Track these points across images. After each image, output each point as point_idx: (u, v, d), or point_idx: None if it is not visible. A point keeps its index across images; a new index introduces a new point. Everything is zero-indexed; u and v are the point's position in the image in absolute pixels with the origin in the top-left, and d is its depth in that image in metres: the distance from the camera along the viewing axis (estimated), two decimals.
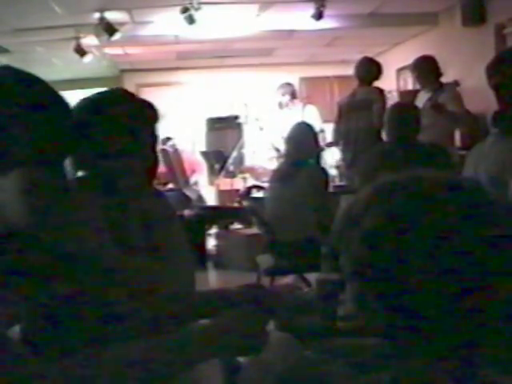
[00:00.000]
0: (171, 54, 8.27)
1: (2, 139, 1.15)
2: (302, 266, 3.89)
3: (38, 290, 1.26)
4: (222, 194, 7.61)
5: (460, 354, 0.78)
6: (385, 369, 0.83)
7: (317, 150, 4.53)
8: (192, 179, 7.30)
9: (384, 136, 3.91)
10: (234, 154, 7.18)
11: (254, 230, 5.33)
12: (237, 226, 6.37)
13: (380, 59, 5.64)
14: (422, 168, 0.85)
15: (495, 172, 2.00)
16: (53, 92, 1.26)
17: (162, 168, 7.19)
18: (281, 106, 6.95)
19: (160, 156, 7.22)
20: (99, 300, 1.36)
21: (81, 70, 8.00)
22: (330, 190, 4.75)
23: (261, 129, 7.43)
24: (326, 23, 6.27)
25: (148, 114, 1.54)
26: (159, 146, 7.15)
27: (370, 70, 5.25)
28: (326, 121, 6.73)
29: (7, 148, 1.15)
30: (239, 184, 6.90)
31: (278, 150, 6.49)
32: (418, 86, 5.20)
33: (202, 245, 6.01)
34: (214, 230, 6.63)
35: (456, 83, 5.79)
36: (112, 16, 5.98)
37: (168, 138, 7.40)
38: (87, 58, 7.02)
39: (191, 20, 5.79)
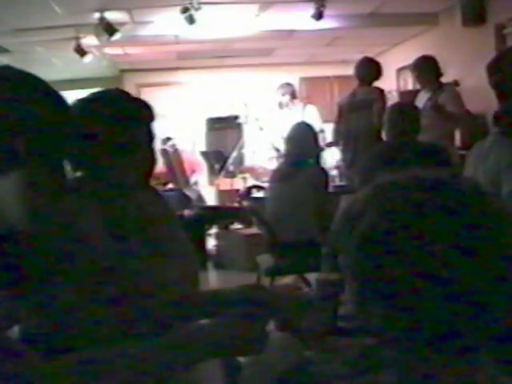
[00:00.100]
0: (171, 53, 8.27)
1: (1, 139, 1.15)
2: (302, 266, 3.89)
3: (38, 290, 1.26)
4: (222, 193, 7.62)
5: (460, 354, 0.78)
6: (385, 369, 0.83)
7: (317, 150, 4.53)
8: (192, 179, 7.31)
9: (384, 136, 3.91)
10: (234, 154, 7.18)
11: (254, 229, 5.33)
12: (237, 225, 6.37)
13: (380, 59, 5.64)
14: (421, 168, 0.85)
15: (493, 172, 2.00)
16: (53, 92, 1.26)
17: (162, 168, 7.20)
18: (281, 105, 6.95)
19: (160, 156, 7.24)
20: (99, 299, 1.36)
21: (81, 69, 8.00)
22: (330, 189, 4.75)
23: (261, 129, 7.43)
24: (326, 23, 6.27)
25: (144, 113, 1.54)
26: (158, 146, 7.18)
27: (369, 69, 5.25)
28: (325, 121, 6.73)
29: (7, 148, 1.15)
30: (239, 184, 6.90)
31: (277, 149, 6.49)
32: (418, 86, 5.20)
33: (202, 245, 6.01)
34: (213, 230, 6.63)
35: (455, 83, 5.79)
36: (112, 16, 5.98)
37: (168, 138, 7.40)
38: (87, 58, 7.02)
39: (191, 20, 5.79)
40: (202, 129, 9.21)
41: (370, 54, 5.84)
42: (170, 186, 7.17)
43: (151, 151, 1.56)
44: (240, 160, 7.55)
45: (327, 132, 6.44)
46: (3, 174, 1.12)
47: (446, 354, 0.78)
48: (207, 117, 9.23)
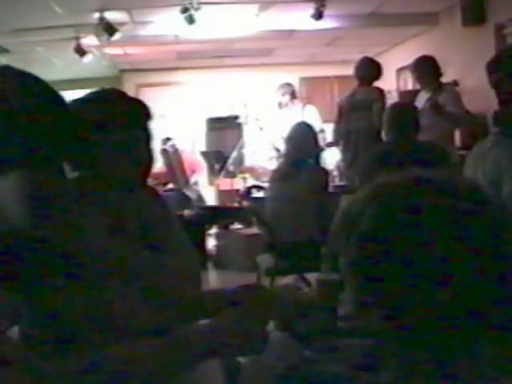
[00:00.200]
0: (171, 53, 8.27)
1: (1, 140, 1.15)
2: (302, 266, 3.89)
3: (39, 289, 1.26)
4: (221, 193, 7.61)
5: (459, 354, 0.78)
6: (385, 369, 0.83)
7: (317, 150, 4.53)
8: (192, 179, 7.31)
9: (383, 136, 3.90)
10: (234, 153, 7.18)
11: (254, 229, 5.33)
12: (237, 226, 6.37)
13: (380, 59, 5.64)
14: (420, 168, 0.85)
15: (493, 172, 2.00)
16: (52, 92, 1.26)
17: (162, 168, 7.20)
18: (281, 106, 6.95)
19: (160, 156, 7.23)
20: (100, 299, 1.36)
21: (81, 69, 8.00)
22: (330, 189, 4.75)
23: (261, 129, 7.43)
24: (326, 23, 6.27)
25: (140, 112, 1.54)
26: (158, 146, 7.18)
27: (369, 70, 5.25)
28: (325, 121, 6.73)
29: (7, 148, 1.15)
30: (239, 184, 6.90)
31: (277, 149, 6.49)
32: (418, 86, 5.20)
33: (202, 245, 6.01)
34: (214, 230, 6.63)
35: (455, 83, 5.79)
36: (112, 16, 5.98)
37: (168, 139, 7.41)
38: (87, 58, 7.02)
39: (191, 20, 5.79)
40: (202, 129, 9.21)
41: (369, 54, 5.84)
42: (170, 185, 7.17)
43: (149, 150, 1.56)
44: (240, 160, 7.55)
45: (327, 132, 6.44)
46: (3, 174, 1.12)
47: (446, 353, 0.78)
48: (207, 117, 9.23)
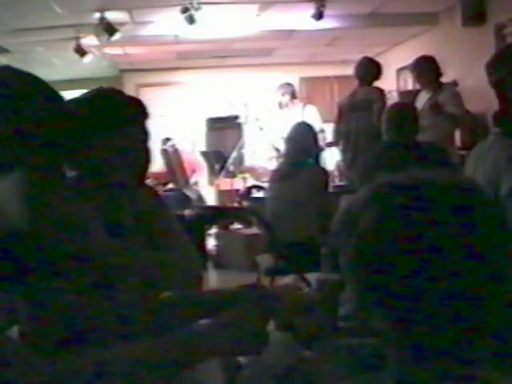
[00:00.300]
0: (171, 53, 8.27)
1: (1, 139, 1.15)
2: (302, 266, 3.88)
3: (38, 289, 1.26)
4: (221, 193, 7.61)
5: (459, 354, 0.78)
6: (385, 369, 0.83)
7: (317, 150, 4.53)
8: (192, 179, 7.31)
9: (383, 136, 3.90)
10: (234, 154, 7.18)
11: (254, 229, 5.33)
12: (237, 226, 6.37)
13: (380, 59, 5.64)
14: (420, 168, 0.85)
15: (492, 172, 1.99)
16: (52, 92, 1.26)
17: (162, 168, 7.20)
18: (281, 105, 6.95)
19: (160, 156, 7.23)
20: (100, 299, 1.36)
21: (81, 70, 8.00)
22: (330, 189, 4.75)
23: (261, 129, 7.43)
24: (326, 23, 6.27)
25: (138, 111, 1.54)
26: (158, 146, 7.18)
27: (370, 70, 5.25)
28: (325, 121, 6.73)
29: (7, 148, 1.15)
30: (239, 184, 6.90)
31: (277, 150, 6.49)
32: (418, 86, 5.20)
33: (202, 245, 6.01)
34: (213, 230, 6.63)
35: (455, 83, 5.79)
36: (112, 16, 5.98)
37: (168, 139, 7.41)
38: (87, 58, 7.02)
39: (191, 20, 5.79)
40: (202, 129, 9.21)
41: (369, 54, 5.84)
42: (170, 185, 7.17)
43: (146, 149, 1.56)
44: (240, 160, 7.55)
45: (327, 132, 6.44)
46: (3, 174, 1.12)
47: (446, 353, 0.78)
48: (207, 117, 9.23)
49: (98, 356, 1.01)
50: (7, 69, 1.24)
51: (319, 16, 5.98)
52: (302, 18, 6.19)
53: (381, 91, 5.20)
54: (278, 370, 1.24)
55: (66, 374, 0.96)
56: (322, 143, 5.71)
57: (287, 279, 4.36)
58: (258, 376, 1.40)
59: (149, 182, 6.03)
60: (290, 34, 7.19)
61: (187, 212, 6.20)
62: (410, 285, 0.77)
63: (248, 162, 7.93)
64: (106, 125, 1.46)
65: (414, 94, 5.17)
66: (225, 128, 8.99)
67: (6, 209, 1.13)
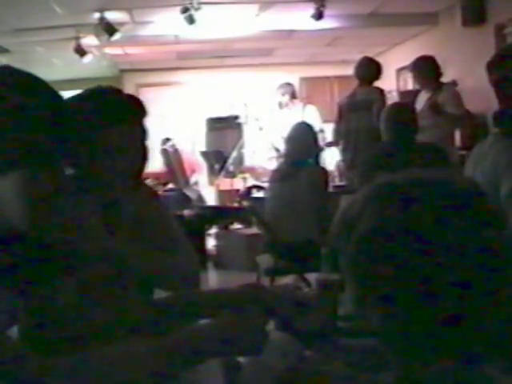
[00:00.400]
0: (171, 53, 8.27)
1: (1, 139, 1.15)
2: (301, 266, 3.89)
3: (38, 289, 1.26)
4: (221, 193, 7.61)
5: (459, 354, 0.78)
6: (385, 369, 0.83)
7: (317, 150, 4.52)
8: (192, 179, 7.31)
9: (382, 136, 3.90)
10: (234, 154, 7.18)
11: (254, 229, 5.32)
12: (237, 225, 6.37)
13: (380, 59, 5.64)
14: (419, 168, 0.85)
15: (491, 172, 1.99)
16: (52, 92, 1.26)
17: (162, 168, 7.20)
18: (281, 105, 6.95)
19: (160, 156, 7.21)
20: (100, 298, 1.36)
21: (81, 70, 8.00)
22: (330, 189, 4.75)
23: (261, 129, 7.43)
24: (326, 23, 6.27)
25: (135, 108, 1.54)
26: (158, 146, 7.18)
27: (369, 70, 5.25)
28: (325, 121, 6.73)
29: (6, 148, 1.15)
30: (239, 184, 6.90)
31: (277, 150, 6.49)
32: (418, 86, 5.19)
33: (202, 245, 6.01)
34: (213, 230, 6.63)
35: (454, 83, 5.78)
36: (112, 16, 5.98)
37: (168, 139, 7.41)
38: (87, 58, 7.02)
39: (191, 20, 5.79)
40: (202, 129, 9.21)
41: (369, 54, 5.84)
42: (170, 185, 7.17)
43: (144, 147, 1.56)
44: (240, 160, 7.55)
45: (327, 132, 6.44)
46: (3, 174, 1.12)
47: (446, 353, 0.78)
48: (207, 117, 9.23)
49: (97, 356, 1.01)
50: (7, 69, 1.23)
51: (319, 16, 5.99)
52: (302, 18, 6.19)
53: (381, 91, 5.20)
54: (278, 370, 1.24)
55: (65, 373, 0.96)
56: (321, 143, 5.71)
57: (287, 279, 4.37)
58: (258, 376, 1.40)
59: (149, 182, 6.04)
60: (290, 34, 7.19)
61: (187, 212, 6.20)
62: (410, 285, 0.77)
63: (248, 162, 7.94)
64: (104, 123, 1.46)
65: (414, 94, 5.17)
66: (225, 128, 8.99)
67: (5, 208, 1.13)
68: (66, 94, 1.37)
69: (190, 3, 5.66)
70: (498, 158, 2.00)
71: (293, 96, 6.91)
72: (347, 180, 5.48)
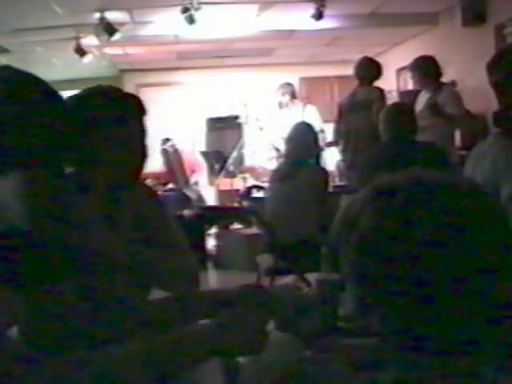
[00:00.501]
0: (171, 53, 8.27)
1: (1, 139, 1.15)
2: (302, 266, 3.89)
3: (38, 289, 1.26)
4: (221, 193, 7.61)
5: (459, 354, 0.78)
6: (384, 369, 0.83)
7: (317, 150, 4.52)
8: (192, 179, 7.31)
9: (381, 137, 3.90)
10: (234, 154, 7.18)
11: (254, 230, 5.32)
12: (237, 225, 6.37)
13: (380, 59, 5.63)
14: (419, 169, 0.85)
15: (491, 173, 1.99)
16: (52, 92, 1.26)
17: (162, 168, 7.20)
18: (281, 105, 6.95)
19: (160, 156, 7.21)
20: (100, 298, 1.36)
21: (81, 70, 8.00)
22: (330, 190, 4.74)
23: (261, 129, 7.43)
24: (326, 23, 6.27)
25: (135, 107, 1.54)
26: (158, 146, 7.18)
27: (369, 69, 5.25)
28: (326, 121, 6.73)
29: (6, 148, 1.15)
30: (239, 184, 6.90)
31: (277, 149, 6.49)
32: (417, 87, 5.19)
33: (202, 245, 6.01)
34: (213, 230, 6.63)
35: (453, 83, 5.78)
36: (112, 16, 5.99)
37: (167, 139, 7.41)
38: (87, 58, 7.02)
39: (191, 20, 5.79)
40: (202, 129, 9.21)
41: (369, 54, 5.84)
42: (170, 185, 7.17)
43: (143, 146, 1.56)
44: (240, 160, 7.55)
45: (327, 132, 6.44)
46: (3, 174, 1.12)
47: (446, 353, 0.78)
48: (207, 117, 9.23)
49: (97, 356, 1.01)
50: (7, 69, 1.24)
51: (319, 16, 5.99)
52: (301, 18, 6.19)
53: (381, 91, 5.20)
54: (278, 370, 1.24)
55: (66, 373, 0.96)
56: (321, 143, 5.70)
57: (287, 279, 4.37)
58: (258, 376, 1.40)
59: (149, 182, 6.04)
60: (290, 33, 7.19)
61: (187, 212, 6.20)
62: (410, 285, 0.77)
63: (248, 162, 7.93)
64: (104, 121, 1.46)
65: (415, 94, 5.17)
66: (225, 128, 8.99)
67: (6, 208, 1.13)
68: (66, 94, 1.38)
69: (190, 3, 5.66)
70: (497, 159, 2.00)
71: (293, 96, 6.91)
72: (347, 180, 5.48)
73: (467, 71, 5.83)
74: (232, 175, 7.05)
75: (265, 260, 4.25)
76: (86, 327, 1.30)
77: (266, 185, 5.20)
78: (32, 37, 6.37)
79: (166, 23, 6.46)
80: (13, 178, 1.12)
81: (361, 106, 5.14)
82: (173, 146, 7.33)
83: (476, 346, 0.78)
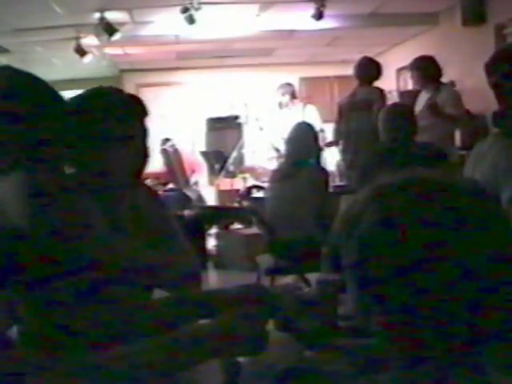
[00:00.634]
0: (171, 53, 8.27)
1: (1, 139, 1.16)
2: (302, 266, 3.89)
3: (39, 289, 1.26)
4: (222, 193, 7.61)
5: (459, 354, 0.78)
6: (384, 369, 0.83)
7: (317, 150, 4.53)
8: (192, 179, 7.31)
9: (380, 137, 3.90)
10: (234, 154, 7.18)
11: (254, 229, 5.33)
12: (237, 225, 6.37)
13: (380, 59, 5.64)
14: (420, 169, 0.85)
15: (490, 173, 1.99)
16: (52, 92, 1.26)
17: (162, 168, 7.20)
18: (281, 105, 6.95)
19: (160, 156, 7.22)
20: (101, 298, 1.36)
21: (81, 70, 8.00)
22: (330, 190, 4.75)
23: (261, 129, 7.43)
24: (326, 23, 6.27)
25: (136, 108, 1.54)
26: (158, 146, 7.18)
27: (369, 69, 5.25)
28: (325, 121, 6.73)
29: (7, 148, 1.15)
30: (239, 184, 6.90)
31: (277, 150, 6.49)
32: (417, 87, 5.19)
33: (202, 245, 6.00)
34: (213, 230, 6.63)
35: (452, 84, 5.78)
36: (112, 16, 5.98)
37: (167, 139, 7.41)
38: (87, 58, 7.02)
39: (191, 20, 5.79)
40: (202, 129, 9.21)
41: (369, 54, 5.84)
42: (170, 185, 7.17)
43: (145, 146, 1.57)
44: (240, 160, 7.55)
45: (327, 132, 6.44)
46: (3, 173, 1.12)
47: (446, 353, 0.78)
48: (207, 117, 9.23)
49: (98, 356, 1.01)
50: (7, 69, 1.24)
51: (319, 16, 5.99)
52: (302, 18, 6.19)
53: (381, 91, 5.20)
54: (278, 370, 1.24)
55: (66, 373, 0.96)
56: (321, 143, 5.71)
57: (287, 279, 4.37)
58: (258, 376, 1.40)
59: (149, 182, 6.04)
60: (290, 33, 7.19)
61: (187, 212, 6.20)
62: (411, 285, 0.77)
63: (248, 162, 7.94)
64: (106, 122, 1.46)
65: (415, 94, 5.17)
66: (225, 128, 8.99)
67: (6, 208, 1.13)
68: (66, 94, 1.38)
69: (190, 3, 5.66)
70: (497, 160, 1.99)
71: (293, 96, 6.91)
72: (347, 180, 5.48)
73: (467, 71, 5.83)
74: (232, 175, 7.05)
75: (265, 260, 4.25)
76: (86, 328, 1.30)
77: (266, 185, 5.20)
78: (32, 37, 6.37)
79: (166, 23, 6.46)
80: (13, 178, 1.12)
81: (361, 106, 5.14)
82: (173, 145, 7.33)
83: (476, 346, 0.78)
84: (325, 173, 4.37)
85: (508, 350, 0.79)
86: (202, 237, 6.12)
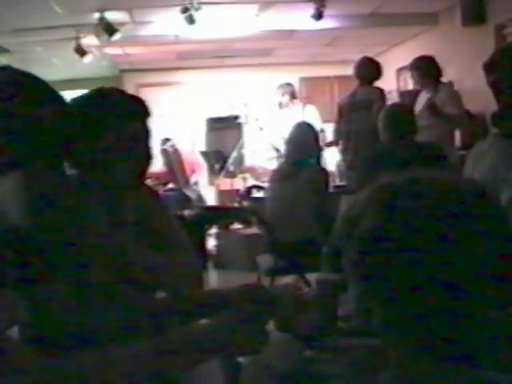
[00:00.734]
0: (171, 53, 8.27)
1: (1, 139, 1.15)
2: (301, 266, 3.89)
3: (39, 289, 1.26)
4: (221, 193, 7.61)
5: (459, 354, 0.78)
6: (385, 369, 0.83)
7: (317, 150, 4.52)
8: (192, 179, 7.30)
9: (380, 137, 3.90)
10: (234, 154, 7.18)
11: (254, 229, 5.33)
12: (237, 225, 6.37)
13: (380, 59, 5.63)
14: (420, 169, 0.85)
15: (489, 174, 1.99)
16: (52, 92, 1.26)
17: (162, 168, 7.20)
18: (281, 105, 6.95)
19: (160, 156, 7.21)
20: (101, 298, 1.36)
21: (81, 70, 8.00)
22: (330, 189, 4.75)
23: (261, 129, 7.43)
24: (326, 23, 6.27)
25: (138, 108, 1.54)
26: (158, 146, 7.18)
27: (369, 69, 5.25)
28: (325, 121, 6.73)
29: (7, 148, 1.15)
30: (239, 184, 6.90)
31: (277, 150, 6.49)
32: (417, 87, 5.19)
33: (202, 245, 6.00)
34: (214, 230, 6.63)
35: (450, 84, 5.78)
36: (112, 16, 5.98)
37: (167, 139, 7.40)
38: (87, 58, 7.02)
39: (191, 20, 5.79)
40: (202, 129, 9.21)
41: (369, 54, 5.83)
42: (170, 185, 7.17)
43: (147, 147, 1.56)
44: (240, 160, 7.55)
45: (327, 132, 6.44)
46: (3, 174, 1.12)
47: (446, 353, 0.78)
48: (207, 117, 9.23)
49: (98, 356, 1.01)
50: (7, 69, 1.24)
51: (319, 16, 5.99)
52: (301, 18, 6.19)
53: (381, 91, 5.20)
54: (278, 370, 1.24)
55: (66, 373, 0.96)
56: (321, 143, 5.71)
57: (287, 279, 4.37)
58: (258, 376, 1.40)
59: (149, 182, 6.04)
60: (290, 33, 7.19)
61: (187, 212, 6.20)
62: (412, 285, 0.77)
63: (248, 162, 7.93)
64: (107, 123, 1.46)
65: (415, 94, 5.17)
66: (225, 128, 8.99)
67: (7, 208, 1.13)
68: (66, 94, 1.38)
69: (190, 3, 5.66)
70: (497, 160, 1.99)
71: (293, 96, 6.91)
72: (347, 180, 5.48)
73: (467, 71, 5.83)
74: (232, 175, 7.05)
75: (265, 260, 4.25)
76: (86, 327, 1.30)
77: (266, 185, 5.20)
78: (32, 37, 6.37)
79: (166, 23, 6.46)
80: (13, 178, 1.12)
81: (361, 106, 5.14)
82: (173, 145, 7.32)
83: (477, 346, 0.78)
84: (325, 173, 4.37)
85: (508, 350, 0.79)
86: (201, 237, 6.12)
